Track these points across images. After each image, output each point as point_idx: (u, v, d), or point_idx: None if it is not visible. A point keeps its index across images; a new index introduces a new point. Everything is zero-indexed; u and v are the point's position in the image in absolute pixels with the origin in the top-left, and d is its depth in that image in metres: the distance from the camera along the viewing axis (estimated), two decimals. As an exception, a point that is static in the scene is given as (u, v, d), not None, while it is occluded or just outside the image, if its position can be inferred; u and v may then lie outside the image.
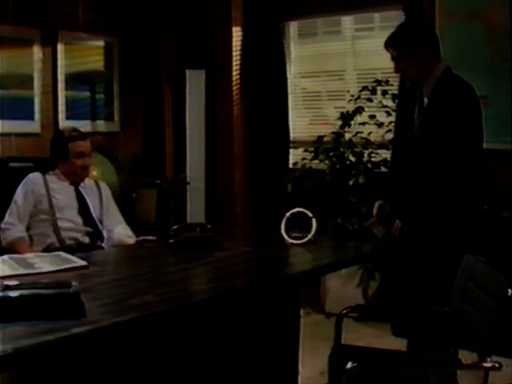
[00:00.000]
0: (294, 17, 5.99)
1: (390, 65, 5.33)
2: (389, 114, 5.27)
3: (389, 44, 3.36)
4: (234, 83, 5.99)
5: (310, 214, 3.52)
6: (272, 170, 5.88)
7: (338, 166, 5.34)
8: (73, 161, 4.01)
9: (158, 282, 2.64)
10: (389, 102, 5.31)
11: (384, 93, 5.31)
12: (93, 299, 2.26)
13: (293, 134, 6.08)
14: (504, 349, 2.81)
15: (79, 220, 3.95)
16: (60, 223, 3.92)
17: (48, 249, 3.77)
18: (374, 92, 5.34)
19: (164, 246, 3.31)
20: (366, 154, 5.33)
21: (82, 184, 4.09)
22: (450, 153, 3.10)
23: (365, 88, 5.37)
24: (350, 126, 5.41)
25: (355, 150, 5.33)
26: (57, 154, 4.07)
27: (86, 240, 3.89)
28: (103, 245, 3.92)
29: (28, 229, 3.93)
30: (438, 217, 3.18)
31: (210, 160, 6.03)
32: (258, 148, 5.98)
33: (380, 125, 5.31)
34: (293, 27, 6.08)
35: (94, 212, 4.02)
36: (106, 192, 4.21)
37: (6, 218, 3.95)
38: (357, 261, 4.06)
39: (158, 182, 5.64)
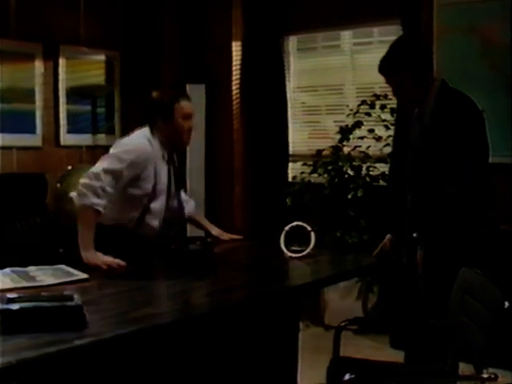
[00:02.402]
0: (293, 31, 6.03)
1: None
2: (387, 128, 5.32)
3: (381, 71, 3.31)
4: (233, 97, 6.04)
5: (308, 228, 3.56)
6: (271, 184, 5.92)
7: (336, 180, 5.39)
8: (179, 122, 3.55)
9: (160, 295, 2.69)
10: (387, 116, 5.36)
11: (382, 107, 5.35)
12: (94, 312, 2.30)
13: (292, 148, 6.12)
14: (500, 360, 2.83)
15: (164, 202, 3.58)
16: (152, 208, 3.55)
17: (121, 231, 3.47)
18: (372, 106, 5.39)
19: (165, 259, 3.34)
20: (364, 168, 5.36)
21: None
22: (464, 173, 3.08)
23: (363, 102, 5.41)
24: (348, 140, 5.45)
25: (354, 163, 5.37)
26: (159, 114, 3.57)
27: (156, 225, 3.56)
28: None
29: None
30: (451, 233, 3.15)
31: (210, 174, 6.08)
32: (258, 162, 6.02)
33: (378, 139, 5.35)
34: (292, 42, 6.13)
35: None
36: None
37: (103, 177, 3.34)
38: (355, 274, 4.10)
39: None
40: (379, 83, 5.48)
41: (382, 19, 5.52)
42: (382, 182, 5.34)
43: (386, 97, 5.30)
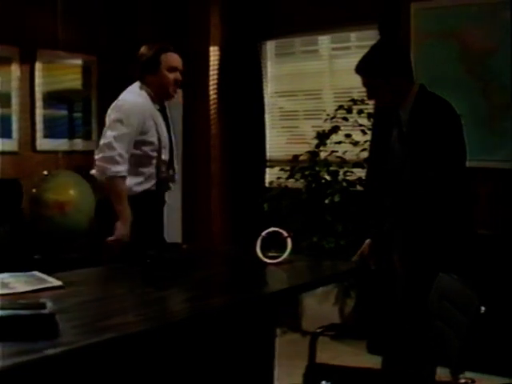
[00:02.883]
0: (271, 36, 6.03)
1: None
2: (364, 132, 5.33)
3: (359, 71, 3.31)
4: (211, 102, 6.03)
5: (285, 234, 3.54)
6: (249, 189, 5.90)
7: (313, 185, 5.38)
8: (164, 74, 3.69)
9: (135, 303, 2.66)
10: (364, 121, 5.36)
11: (360, 112, 5.36)
12: (68, 320, 2.26)
13: (269, 153, 6.10)
14: (478, 364, 2.84)
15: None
16: (163, 165, 3.74)
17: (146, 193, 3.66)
18: (349, 111, 5.39)
19: (141, 266, 3.31)
20: (341, 173, 5.36)
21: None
22: (436, 177, 3.07)
23: (341, 107, 5.42)
24: (325, 145, 5.45)
25: (330, 168, 5.37)
26: (146, 67, 3.71)
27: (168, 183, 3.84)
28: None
29: None
30: (425, 237, 3.15)
31: (187, 178, 6.01)
32: (235, 167, 6.01)
33: (355, 144, 5.36)
34: (270, 46, 6.14)
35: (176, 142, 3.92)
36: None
37: (116, 145, 3.53)
38: (333, 280, 4.08)
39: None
40: (357, 88, 5.46)
41: (360, 24, 5.55)
42: (358, 187, 5.34)
43: (363, 101, 5.30)
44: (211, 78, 6.04)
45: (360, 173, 5.37)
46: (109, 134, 3.59)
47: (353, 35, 5.78)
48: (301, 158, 5.55)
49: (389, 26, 5.19)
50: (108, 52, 6.15)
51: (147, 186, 3.72)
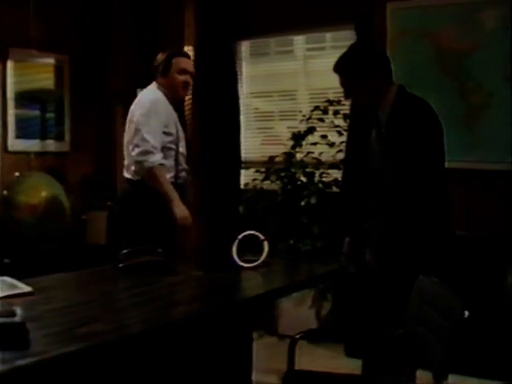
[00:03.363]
0: (246, 36, 5.95)
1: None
2: (340, 133, 5.28)
3: (337, 71, 3.28)
4: (185, 103, 5.86)
5: (261, 237, 3.50)
6: (224, 191, 5.83)
7: (289, 187, 5.33)
8: (175, 76, 4.01)
9: (108, 310, 2.58)
10: (340, 122, 5.32)
11: (335, 113, 5.31)
12: (38, 328, 2.19)
13: (244, 155, 6.03)
14: (459, 367, 2.80)
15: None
16: (180, 157, 4.05)
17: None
18: (325, 112, 5.35)
19: (114, 271, 3.24)
20: (317, 175, 5.31)
21: None
22: (422, 178, 3.05)
23: (316, 108, 5.37)
24: (301, 146, 5.39)
25: (306, 170, 5.31)
26: (158, 68, 4.06)
27: (186, 175, 4.15)
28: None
29: None
30: (403, 240, 3.13)
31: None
32: (210, 168, 5.91)
33: (331, 145, 5.31)
34: (245, 47, 6.06)
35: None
36: None
37: (148, 137, 3.87)
38: (310, 284, 4.03)
39: (109, 203, 5.55)
40: (332, 88, 5.49)
41: (336, 24, 5.49)
42: (334, 189, 5.30)
43: (339, 102, 5.28)
44: (186, 78, 5.91)
45: (336, 174, 5.33)
46: (139, 131, 3.88)
47: (328, 35, 5.73)
48: (276, 159, 5.48)
49: (364, 26, 5.16)
50: (80, 51, 6.06)
51: (169, 176, 3.97)
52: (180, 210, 3.96)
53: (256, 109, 6.12)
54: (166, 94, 4.04)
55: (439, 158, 3.16)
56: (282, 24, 5.67)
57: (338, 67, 3.27)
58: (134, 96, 5.83)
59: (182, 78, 4.02)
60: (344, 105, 5.27)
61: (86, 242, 5.54)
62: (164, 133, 3.95)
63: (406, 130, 3.09)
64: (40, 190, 5.33)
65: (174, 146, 4.01)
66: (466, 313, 2.26)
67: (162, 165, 3.89)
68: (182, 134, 4.11)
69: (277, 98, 6.03)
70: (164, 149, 3.95)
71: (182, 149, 4.10)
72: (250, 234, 3.53)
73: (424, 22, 4.90)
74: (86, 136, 6.21)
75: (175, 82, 4.02)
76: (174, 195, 3.93)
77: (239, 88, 5.97)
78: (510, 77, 4.63)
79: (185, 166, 4.13)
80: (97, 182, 6.05)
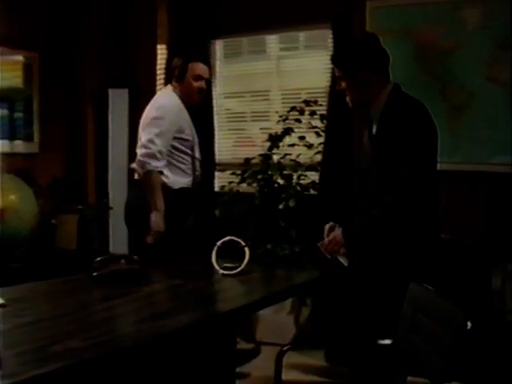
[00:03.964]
0: (220, 35, 5.81)
1: (315, 84, 5.42)
2: (318, 134, 5.16)
3: (333, 63, 3.23)
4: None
5: (242, 243, 3.36)
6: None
7: (266, 190, 5.18)
8: (190, 81, 4.03)
9: (84, 324, 2.40)
10: (317, 123, 5.20)
11: (312, 113, 5.19)
12: (9, 346, 2.02)
13: (218, 157, 5.88)
14: (460, 374, 2.71)
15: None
16: (196, 162, 4.12)
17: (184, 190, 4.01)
18: (302, 113, 5.22)
19: (88, 280, 3.07)
20: (295, 177, 5.18)
21: None
22: (405, 179, 2.94)
23: (293, 108, 5.24)
24: (278, 147, 5.25)
25: (284, 172, 5.17)
26: (174, 71, 4.10)
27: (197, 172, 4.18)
28: None
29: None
30: (391, 241, 3.02)
31: (133, 183, 5.72)
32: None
33: (310, 146, 5.18)
34: (219, 46, 5.91)
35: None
36: None
37: (156, 140, 3.89)
38: (291, 294, 3.88)
39: (80, 207, 5.37)
40: (305, 89, 5.43)
41: (313, 23, 5.39)
42: (312, 191, 5.17)
43: (315, 103, 5.18)
44: (158, 77, 5.78)
45: (314, 176, 5.20)
46: (148, 131, 3.91)
47: (301, 35, 5.62)
48: (253, 161, 5.33)
49: (343, 25, 5.06)
50: (51, 49, 5.86)
51: (184, 182, 4.05)
52: (158, 219, 3.97)
53: (228, 109, 5.97)
54: (181, 98, 4.07)
55: (430, 160, 3.06)
56: (255, 23, 5.55)
57: (333, 58, 3.23)
58: (106, 96, 5.72)
59: (197, 84, 4.05)
60: (321, 105, 5.21)
61: (56, 246, 5.35)
62: (177, 138, 4.00)
63: (397, 129, 2.99)
64: (8, 193, 5.12)
65: (189, 151, 4.06)
66: (469, 324, 2.14)
67: (160, 172, 3.92)
68: (196, 139, 4.16)
69: (249, 99, 5.90)
70: (181, 154, 4.03)
71: (198, 154, 4.16)
72: (230, 240, 3.39)
73: (404, 20, 4.82)
74: (56, 137, 6.00)
75: (190, 88, 4.05)
76: (159, 205, 3.94)
77: (213, 88, 5.80)
78: (492, 77, 4.58)
79: (200, 171, 4.20)
80: (67, 184, 5.85)
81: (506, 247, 4.27)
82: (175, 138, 3.99)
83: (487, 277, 4.18)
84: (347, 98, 3.21)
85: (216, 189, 5.73)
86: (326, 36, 5.35)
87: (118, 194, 5.68)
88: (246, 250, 3.33)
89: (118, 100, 5.71)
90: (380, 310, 3.03)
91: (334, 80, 4.93)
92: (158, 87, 5.75)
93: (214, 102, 5.83)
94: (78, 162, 5.96)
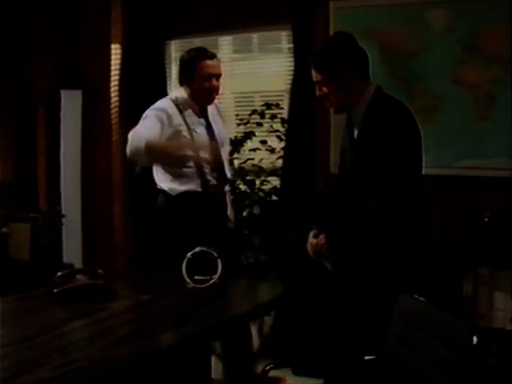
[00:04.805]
0: (176, 35, 5.58)
1: (269, 88, 5.27)
2: (280, 138, 5.00)
3: (312, 65, 3.05)
4: (112, 105, 5.51)
5: (214, 254, 3.18)
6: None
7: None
8: (199, 83, 3.76)
9: (51, 349, 2.19)
10: (278, 127, 5.04)
11: (273, 117, 5.03)
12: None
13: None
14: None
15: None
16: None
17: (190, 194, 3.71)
18: (262, 116, 5.05)
19: (48, 297, 2.85)
20: (258, 183, 5.00)
21: (209, 110, 3.87)
22: (389, 191, 2.83)
23: (254, 112, 5.06)
24: (239, 152, 5.07)
25: (247, 178, 4.99)
26: (182, 73, 3.84)
27: (215, 182, 3.82)
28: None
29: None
30: (378, 251, 2.92)
31: (87, 190, 5.54)
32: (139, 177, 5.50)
33: (272, 150, 5.02)
34: (174, 47, 5.68)
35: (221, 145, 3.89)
36: (220, 110, 4.06)
37: (138, 128, 3.67)
38: (271, 307, 3.67)
39: (32, 215, 5.09)
40: (259, 92, 5.29)
41: (272, 24, 5.18)
42: (274, 197, 5.01)
43: (277, 106, 5.04)
44: (112, 78, 5.53)
45: (276, 181, 5.04)
46: (139, 132, 3.65)
47: (255, 37, 5.44)
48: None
49: (304, 26, 4.90)
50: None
51: (189, 186, 3.75)
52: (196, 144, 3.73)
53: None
54: (193, 99, 3.80)
55: (416, 164, 2.97)
56: (210, 24, 5.34)
57: (313, 61, 3.05)
58: (57, 97, 5.46)
59: (207, 84, 3.76)
60: (282, 108, 5.06)
61: (8, 257, 5.07)
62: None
63: (381, 133, 2.88)
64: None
65: (191, 153, 3.71)
66: (475, 339, 2.00)
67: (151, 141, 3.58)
68: (203, 138, 3.80)
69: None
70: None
71: (204, 155, 3.75)
72: (201, 251, 3.20)
73: (369, 22, 4.66)
74: (5, 140, 5.70)
75: (201, 89, 3.77)
76: (168, 144, 3.68)
77: (168, 91, 5.53)
78: (458, 79, 4.47)
79: (215, 173, 3.83)
80: (17, 190, 5.55)
81: (476, 251, 4.18)
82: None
83: (458, 281, 4.09)
84: (328, 104, 3.09)
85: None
86: (280, 38, 5.23)
87: (70, 200, 5.44)
88: (219, 261, 3.15)
89: (70, 102, 5.44)
90: (363, 318, 2.92)
91: (295, 82, 4.99)
92: (112, 88, 5.53)
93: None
94: (29, 167, 5.68)
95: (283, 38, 5.22)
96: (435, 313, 2.33)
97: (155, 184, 3.98)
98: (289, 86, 4.99)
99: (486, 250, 4.17)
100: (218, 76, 3.83)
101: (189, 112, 3.80)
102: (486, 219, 4.28)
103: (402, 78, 4.62)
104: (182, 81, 3.85)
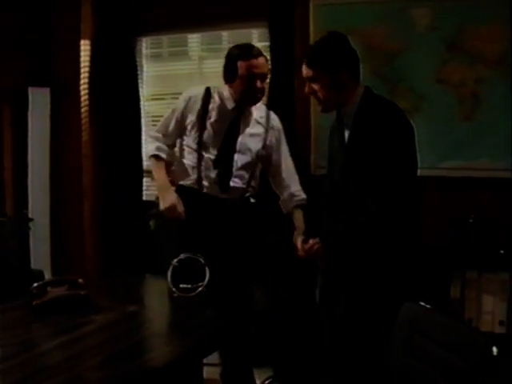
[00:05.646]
0: (146, 32, 5.38)
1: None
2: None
3: (304, 61, 2.97)
4: (82, 104, 5.29)
5: (201, 261, 3.03)
6: (128, 205, 5.23)
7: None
8: (242, 83, 3.46)
9: (34, 371, 1.99)
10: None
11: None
12: None
13: (146, 163, 5.43)
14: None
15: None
16: (203, 163, 3.58)
17: (186, 188, 3.61)
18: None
19: (26, 310, 2.64)
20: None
21: (246, 112, 3.61)
22: (388, 191, 2.78)
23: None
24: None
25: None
26: (225, 71, 3.55)
27: (212, 186, 3.60)
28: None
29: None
30: (377, 254, 2.84)
31: (56, 193, 5.30)
32: (111, 179, 5.30)
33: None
34: (145, 44, 5.48)
35: (241, 154, 3.59)
36: (276, 134, 3.70)
37: (159, 125, 3.80)
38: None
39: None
40: None
41: (246, 21, 5.05)
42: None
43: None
44: (82, 76, 5.31)
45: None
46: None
47: (225, 35, 5.28)
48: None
49: (282, 23, 4.77)
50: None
51: (188, 180, 3.62)
52: (164, 200, 3.54)
53: (148, 113, 5.54)
54: (233, 96, 3.56)
55: (412, 163, 2.92)
56: (180, 21, 5.18)
57: (306, 56, 2.98)
58: (25, 95, 5.22)
59: (252, 84, 3.45)
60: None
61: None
62: (185, 129, 3.65)
63: (374, 133, 2.81)
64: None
65: (195, 147, 3.58)
66: (495, 350, 1.89)
67: (157, 155, 3.66)
68: (214, 138, 3.59)
69: (171, 101, 5.42)
70: (186, 147, 3.66)
71: (208, 152, 3.58)
72: (187, 258, 3.04)
73: (350, 19, 4.54)
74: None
75: (243, 90, 3.48)
76: (160, 185, 3.61)
77: (140, 90, 5.37)
78: (442, 79, 4.42)
79: (212, 175, 3.57)
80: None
81: (463, 253, 4.13)
82: (184, 129, 3.65)
83: (446, 284, 4.02)
84: (318, 101, 3.00)
85: (145, 197, 5.31)
86: (251, 36, 5.10)
87: (38, 204, 5.21)
88: (207, 268, 2.99)
89: (38, 100, 5.20)
90: (363, 319, 2.83)
91: (272, 83, 4.80)
92: (82, 86, 5.31)
93: (142, 104, 5.39)
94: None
95: (254, 36, 5.09)
96: (444, 321, 2.24)
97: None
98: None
99: (473, 253, 4.13)
100: (263, 76, 3.53)
101: (221, 104, 3.61)
102: (471, 220, 4.25)
103: (384, 78, 4.54)
104: (225, 79, 3.58)
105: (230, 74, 3.49)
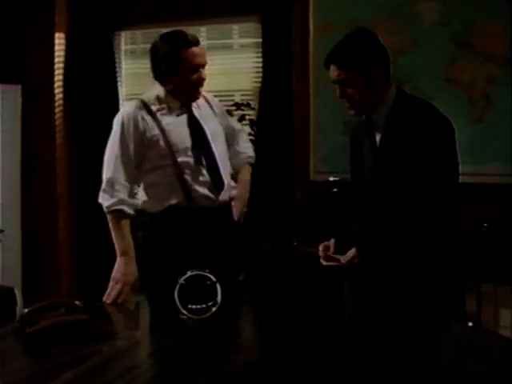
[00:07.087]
0: (124, 26, 5.12)
1: (223, 87, 4.85)
2: (252, 141, 4.57)
3: (334, 62, 2.72)
4: (56, 103, 5.05)
5: (213, 278, 2.69)
6: (105, 214, 4.90)
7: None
8: (184, 75, 3.08)
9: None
10: (246, 129, 4.63)
11: (241, 118, 4.63)
12: None
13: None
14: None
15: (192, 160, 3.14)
16: (185, 170, 3.11)
17: (173, 209, 3.10)
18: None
19: (17, 338, 2.26)
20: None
21: (194, 104, 3.22)
22: (429, 193, 2.60)
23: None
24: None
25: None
26: (162, 64, 3.10)
27: (205, 191, 3.12)
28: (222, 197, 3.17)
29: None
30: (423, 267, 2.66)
31: (27, 201, 5.03)
32: (86, 186, 4.93)
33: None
34: (124, 39, 5.21)
35: (214, 143, 3.19)
36: (218, 104, 3.38)
37: (106, 169, 3.13)
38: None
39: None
40: (212, 92, 4.83)
41: (233, 15, 4.87)
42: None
43: (248, 106, 4.74)
44: (56, 72, 5.06)
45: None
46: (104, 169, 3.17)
47: (203, 30, 5.04)
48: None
49: (277, 18, 4.61)
50: None
51: (171, 199, 3.11)
52: (119, 271, 3.07)
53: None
54: (173, 95, 3.16)
55: (454, 170, 2.73)
56: (164, 14, 4.91)
57: (334, 58, 2.73)
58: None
59: (194, 76, 3.10)
60: (254, 109, 4.75)
61: None
62: (146, 148, 3.12)
63: (413, 135, 2.62)
64: None
65: (168, 162, 3.09)
66: None
67: (119, 212, 3.08)
68: (183, 143, 3.15)
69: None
70: (155, 162, 3.14)
71: (184, 159, 3.13)
72: (196, 275, 2.70)
73: (353, 14, 4.39)
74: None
75: (186, 83, 3.10)
76: (123, 250, 3.11)
77: (119, 88, 5.14)
78: (451, 78, 4.30)
79: (201, 178, 3.16)
80: None
81: (478, 265, 3.98)
82: (144, 148, 3.14)
83: (460, 298, 3.87)
84: (349, 105, 2.77)
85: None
86: (230, 31, 5.01)
87: (8, 213, 4.94)
88: (218, 286, 2.67)
89: (8, 98, 4.95)
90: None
91: (265, 82, 4.67)
92: (56, 83, 5.04)
93: (121, 103, 5.11)
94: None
95: (234, 32, 5.01)
96: (500, 342, 2.01)
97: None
98: (255, 85, 4.80)
99: (488, 264, 4.02)
100: (204, 66, 3.19)
101: (163, 112, 3.18)
102: (484, 229, 4.14)
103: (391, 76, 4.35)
104: (159, 75, 3.17)
105: (168, 67, 3.09)
